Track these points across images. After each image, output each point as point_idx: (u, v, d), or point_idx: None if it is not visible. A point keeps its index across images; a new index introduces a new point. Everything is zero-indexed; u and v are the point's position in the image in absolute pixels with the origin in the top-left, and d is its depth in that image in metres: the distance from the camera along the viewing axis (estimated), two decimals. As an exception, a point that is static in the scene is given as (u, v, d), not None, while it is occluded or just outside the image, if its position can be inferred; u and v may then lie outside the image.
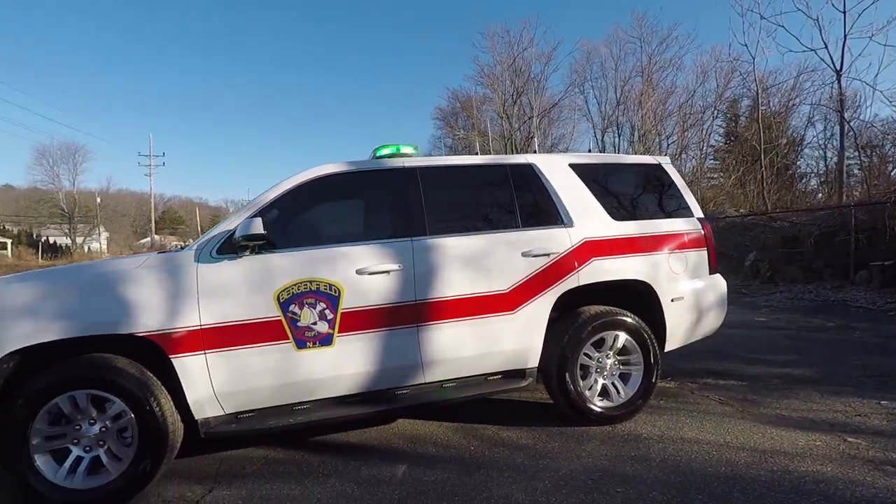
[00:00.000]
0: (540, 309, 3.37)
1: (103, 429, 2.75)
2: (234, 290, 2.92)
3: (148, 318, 2.77)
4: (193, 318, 2.83)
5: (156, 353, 2.81)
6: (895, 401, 3.82)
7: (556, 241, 3.46)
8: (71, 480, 2.67)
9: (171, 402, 2.82)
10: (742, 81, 23.98)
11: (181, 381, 2.80)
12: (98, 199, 55.36)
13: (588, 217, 3.59)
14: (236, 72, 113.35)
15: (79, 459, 2.72)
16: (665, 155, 4.79)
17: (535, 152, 4.78)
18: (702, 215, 3.93)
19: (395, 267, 3.13)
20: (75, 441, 2.72)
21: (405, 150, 3.61)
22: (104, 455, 2.75)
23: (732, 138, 27.26)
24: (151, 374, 2.81)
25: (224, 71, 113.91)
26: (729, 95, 27.14)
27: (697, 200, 4.14)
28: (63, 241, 55.72)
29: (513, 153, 32.68)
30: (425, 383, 3.29)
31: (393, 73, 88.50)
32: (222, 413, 2.95)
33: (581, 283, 3.45)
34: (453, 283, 3.22)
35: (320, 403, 3.13)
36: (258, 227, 2.85)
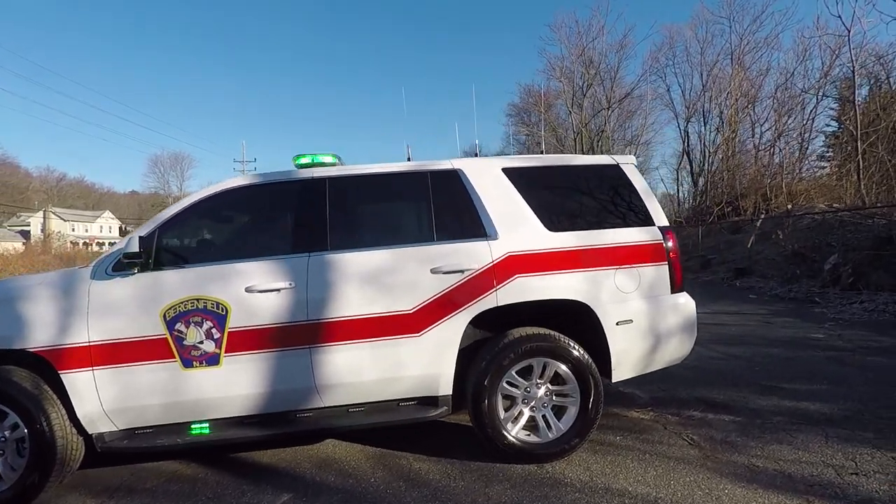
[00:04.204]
0: (449, 331, 3.04)
1: (2, 439, 2.86)
2: (123, 307, 2.91)
3: (39, 333, 2.85)
4: (82, 334, 2.86)
5: (51, 368, 2.88)
6: (922, 456, 3.03)
7: (473, 255, 3.10)
8: (-28, 487, 2.81)
9: (64, 417, 2.88)
10: (854, 57, 20.91)
11: (70, 396, 2.85)
12: (201, 202, 60.90)
13: (516, 228, 3.19)
14: (315, 79, 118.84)
15: (-20, 467, 2.85)
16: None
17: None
18: (665, 223, 3.36)
19: (286, 285, 2.97)
20: (-23, 450, 2.86)
21: (324, 158, 3.44)
22: (1, 464, 2.86)
23: (838, 123, 23.98)
24: (48, 389, 2.88)
25: (308, 78, 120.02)
26: (837, 74, 23.84)
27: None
28: (173, 240, 62.49)
29: (583, 146, 31.68)
30: (326, 407, 3.10)
31: (468, 73, 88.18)
32: (115, 429, 2.97)
33: (500, 304, 3.07)
34: (350, 303, 3.00)
35: (217, 423, 3.06)
36: (134, 245, 2.82)
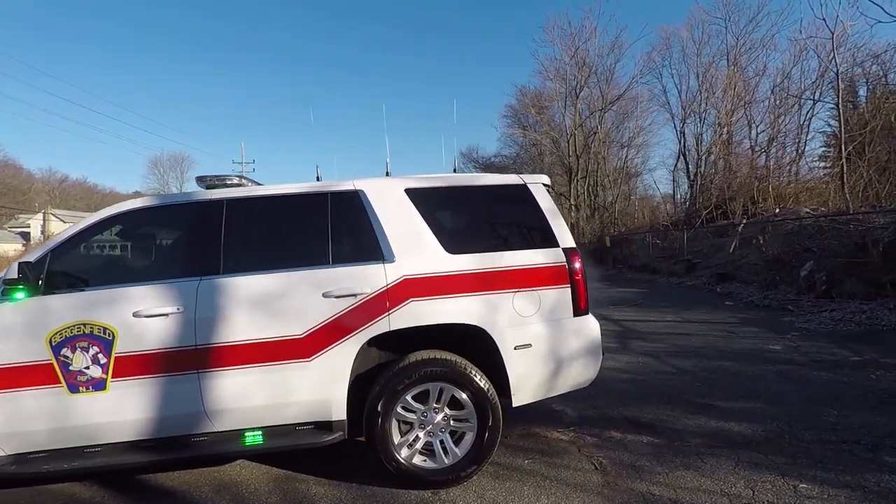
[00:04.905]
0: (340, 356, 3.00)
1: None
2: (9, 332, 2.90)
3: (-77, 359, 2.83)
4: (-34, 360, 2.85)
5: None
6: (824, 484, 2.97)
7: (367, 279, 3.07)
8: None
9: (-50, 442, 2.86)
10: (851, 56, 20.59)
11: None
12: (202, 203, 61.22)
13: (414, 251, 3.15)
14: (311, 81, 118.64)
15: None
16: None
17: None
18: (570, 245, 3.30)
19: (174, 309, 2.94)
20: None
21: (228, 179, 3.41)
22: None
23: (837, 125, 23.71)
24: (-64, 413, 2.87)
25: (308, 80, 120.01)
26: (833, 75, 23.54)
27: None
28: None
29: (577, 148, 31.49)
30: (220, 431, 3.07)
31: (467, 77, 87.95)
32: (3, 454, 2.95)
33: (392, 328, 3.03)
34: (239, 327, 2.97)
35: (111, 448, 3.03)
36: (13, 272, 2.81)
